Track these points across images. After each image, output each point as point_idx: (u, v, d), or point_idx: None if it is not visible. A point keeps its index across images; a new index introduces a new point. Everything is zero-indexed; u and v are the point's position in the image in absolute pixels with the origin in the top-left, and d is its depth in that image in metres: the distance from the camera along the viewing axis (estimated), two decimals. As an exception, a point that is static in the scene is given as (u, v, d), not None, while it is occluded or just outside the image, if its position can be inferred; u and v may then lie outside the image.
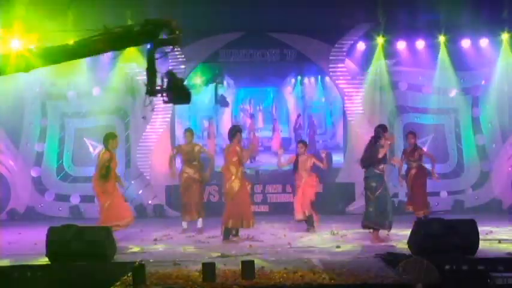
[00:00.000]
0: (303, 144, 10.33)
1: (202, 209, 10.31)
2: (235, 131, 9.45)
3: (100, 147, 13.49)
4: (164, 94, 5.27)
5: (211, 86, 17.85)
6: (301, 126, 19.11)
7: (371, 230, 9.16)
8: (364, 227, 9.19)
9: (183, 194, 10.37)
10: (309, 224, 10.05)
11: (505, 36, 13.02)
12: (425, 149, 11.90)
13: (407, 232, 6.77)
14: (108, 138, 9.22)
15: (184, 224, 10.31)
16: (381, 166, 9.13)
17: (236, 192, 9.09)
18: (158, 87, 5.27)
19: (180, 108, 14.39)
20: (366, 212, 9.20)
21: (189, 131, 10.74)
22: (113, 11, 12.20)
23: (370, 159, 9.12)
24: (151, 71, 5.29)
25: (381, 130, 9.27)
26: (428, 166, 11.03)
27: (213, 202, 12.77)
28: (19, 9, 10.47)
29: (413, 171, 10.42)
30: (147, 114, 12.46)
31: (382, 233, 9.17)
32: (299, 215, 10.04)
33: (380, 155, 9.08)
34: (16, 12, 10.49)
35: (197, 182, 10.27)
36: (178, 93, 5.33)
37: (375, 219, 9.05)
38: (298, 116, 19.32)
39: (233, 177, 9.11)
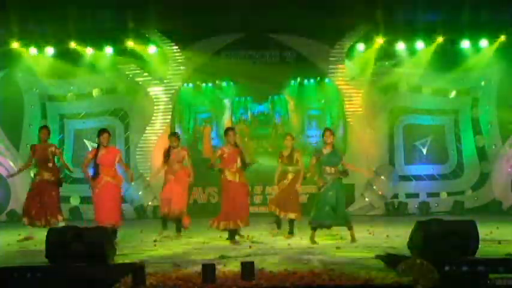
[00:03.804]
0: (176, 138, 9.85)
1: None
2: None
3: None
4: None
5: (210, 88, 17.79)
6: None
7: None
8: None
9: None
10: (177, 227, 9.53)
11: (504, 37, 13.05)
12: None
13: (407, 233, 6.76)
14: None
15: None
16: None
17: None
18: None
19: (180, 109, 14.39)
20: None
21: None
22: (114, 11, 12.22)
23: None
24: None
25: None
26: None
27: (212, 203, 12.78)
28: None
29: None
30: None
31: None
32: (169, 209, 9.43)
33: None
34: None
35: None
36: None
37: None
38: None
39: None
